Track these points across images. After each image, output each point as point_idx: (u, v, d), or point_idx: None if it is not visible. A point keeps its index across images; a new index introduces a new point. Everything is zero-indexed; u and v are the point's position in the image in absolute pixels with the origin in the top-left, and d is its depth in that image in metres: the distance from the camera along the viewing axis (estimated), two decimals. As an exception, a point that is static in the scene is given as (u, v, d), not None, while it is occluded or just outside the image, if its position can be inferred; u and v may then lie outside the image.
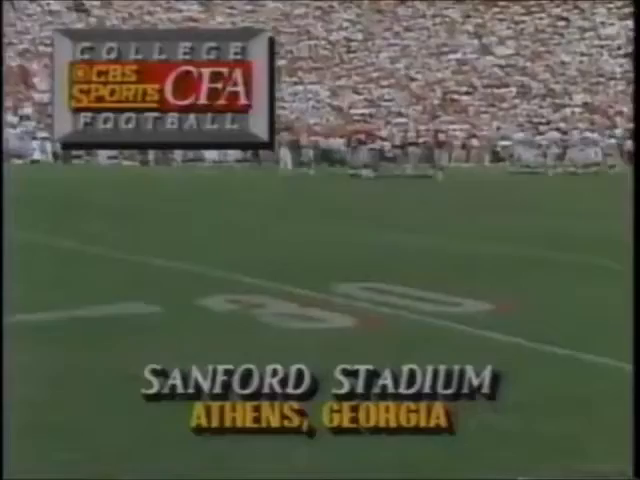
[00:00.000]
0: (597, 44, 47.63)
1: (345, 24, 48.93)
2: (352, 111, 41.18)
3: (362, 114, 40.75)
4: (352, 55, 46.57)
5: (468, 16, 49.40)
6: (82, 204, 13.05)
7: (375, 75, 45.13)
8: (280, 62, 44.12)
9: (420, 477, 2.96)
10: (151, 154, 30.18)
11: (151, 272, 7.03)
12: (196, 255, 8.09)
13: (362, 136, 26.32)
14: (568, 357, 4.55)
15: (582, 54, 47.02)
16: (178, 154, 32.41)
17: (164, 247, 8.14)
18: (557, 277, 6.98)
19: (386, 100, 42.90)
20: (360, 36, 48.43)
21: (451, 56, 47.62)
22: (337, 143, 32.18)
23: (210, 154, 30.70)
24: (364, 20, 49.23)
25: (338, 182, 22.82)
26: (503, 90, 44.38)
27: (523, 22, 49.36)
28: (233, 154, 31.98)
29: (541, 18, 49.33)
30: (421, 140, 26.95)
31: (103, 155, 29.98)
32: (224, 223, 11.60)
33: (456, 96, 43.94)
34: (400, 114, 41.01)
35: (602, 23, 48.38)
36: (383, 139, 34.37)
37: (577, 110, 42.45)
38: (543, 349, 4.69)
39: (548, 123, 40.58)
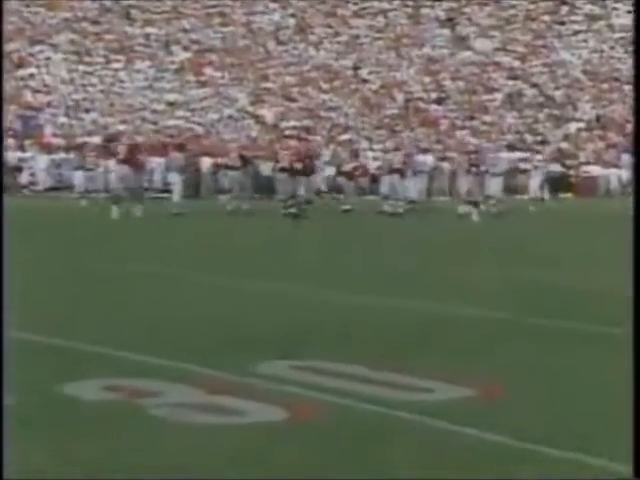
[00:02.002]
0: (609, 37, 49.16)
1: (272, 5, 49.47)
2: (283, 124, 41.56)
3: (295, 127, 40.86)
4: (282, 48, 46.98)
5: (439, -2, 50.60)
6: None
7: (313, 75, 45.60)
8: (182, 55, 44.44)
9: None
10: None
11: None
12: (60, 323, 7.92)
13: (296, 157, 26.40)
14: (571, 461, 4.67)
15: (590, 50, 48.46)
16: (40, 180, 32.23)
17: (12, 311, 7.97)
18: (559, 348, 7.21)
19: (329, 109, 43.47)
20: (293, 22, 49.10)
21: (416, 51, 48.44)
22: (263, 167, 32.37)
23: (80, 180, 30.71)
24: (298, 1, 49.83)
25: (258, 220, 22.95)
26: (485, 97, 45.47)
27: (512, 7, 50.64)
28: (111, 182, 31.92)
29: (535, 2, 50.72)
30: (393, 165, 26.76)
31: None
32: (96, 276, 11.64)
33: (423, 104, 44.87)
34: (348, 128, 41.55)
35: (615, 10, 50.02)
36: (325, 163, 34.74)
37: (582, 125, 43.64)
38: (540, 451, 4.79)
39: (545, 142, 41.53)
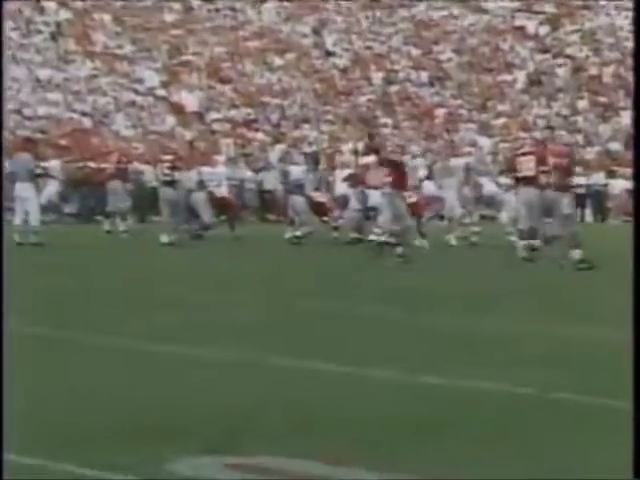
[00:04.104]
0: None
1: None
2: (210, 115, 41.73)
3: (228, 119, 41.35)
4: (208, 6, 47.59)
5: None
6: None
7: (254, 45, 46.19)
8: (59, 15, 43.77)
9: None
10: None
11: None
12: None
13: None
14: None
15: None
16: None
17: None
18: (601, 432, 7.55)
19: (277, 94, 43.73)
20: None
21: (403, 13, 49.21)
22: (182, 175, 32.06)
23: None
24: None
25: (156, 250, 23.79)
26: (501, 78, 45.60)
27: (539, -51, 50.77)
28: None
29: (572, -59, 50.79)
30: None
31: None
32: None
33: (412, 88, 45.09)
34: (305, 121, 41.93)
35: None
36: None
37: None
38: None
39: (587, 141, 41.01)
